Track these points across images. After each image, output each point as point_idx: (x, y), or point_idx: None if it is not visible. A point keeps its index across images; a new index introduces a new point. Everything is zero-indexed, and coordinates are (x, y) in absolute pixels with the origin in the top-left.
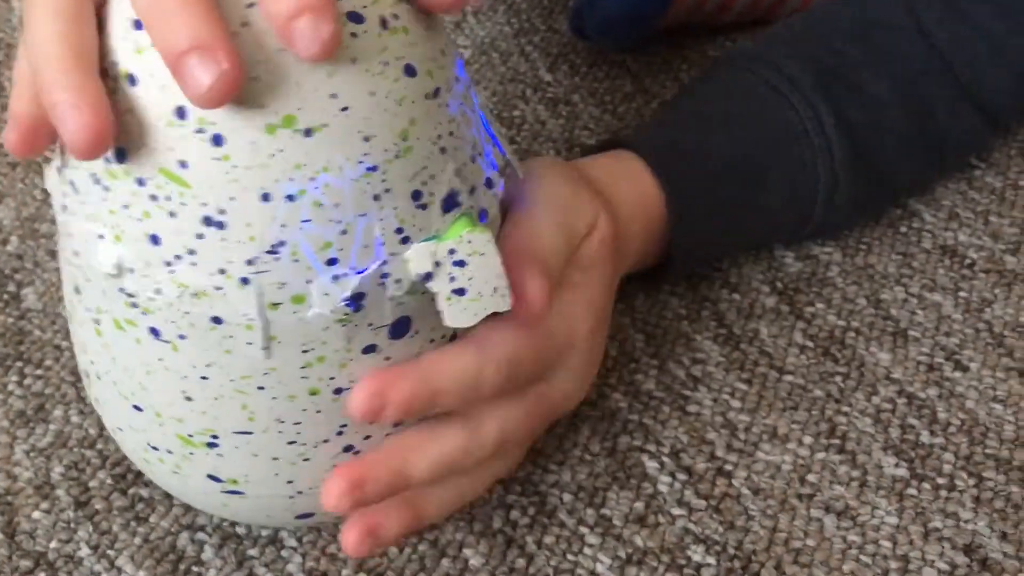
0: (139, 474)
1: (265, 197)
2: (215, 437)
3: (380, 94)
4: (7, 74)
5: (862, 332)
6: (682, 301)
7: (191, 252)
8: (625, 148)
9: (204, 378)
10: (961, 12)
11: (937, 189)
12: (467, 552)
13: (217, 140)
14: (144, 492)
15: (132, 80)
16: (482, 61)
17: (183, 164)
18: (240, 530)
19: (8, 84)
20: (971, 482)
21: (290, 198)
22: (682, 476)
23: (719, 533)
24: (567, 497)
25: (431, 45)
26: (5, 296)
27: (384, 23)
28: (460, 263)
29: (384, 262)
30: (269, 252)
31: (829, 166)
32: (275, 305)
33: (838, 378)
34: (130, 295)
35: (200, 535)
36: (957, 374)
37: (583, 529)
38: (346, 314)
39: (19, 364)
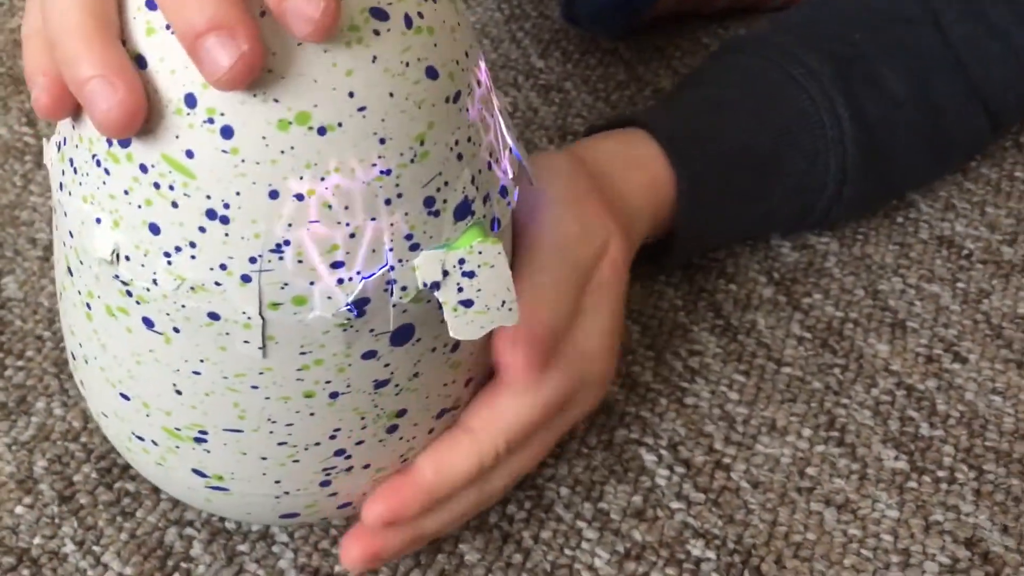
0: (125, 468)
1: (273, 194)
2: (203, 432)
3: (399, 95)
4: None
5: (860, 323)
6: (678, 292)
7: (192, 244)
8: (638, 127)
9: (196, 373)
10: (979, 12)
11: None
12: (463, 547)
13: (226, 132)
14: (130, 486)
15: (141, 62)
16: None
17: (189, 154)
18: (230, 525)
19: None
20: (971, 475)
21: (298, 197)
22: (680, 469)
23: (718, 527)
24: (564, 491)
25: (455, 47)
26: None
27: (409, 22)
28: (469, 274)
29: (391, 268)
30: (273, 251)
31: (841, 160)
32: (275, 305)
33: (837, 370)
34: (124, 283)
35: (188, 530)
36: (956, 366)
37: (580, 523)
38: (348, 319)
39: (0, 355)
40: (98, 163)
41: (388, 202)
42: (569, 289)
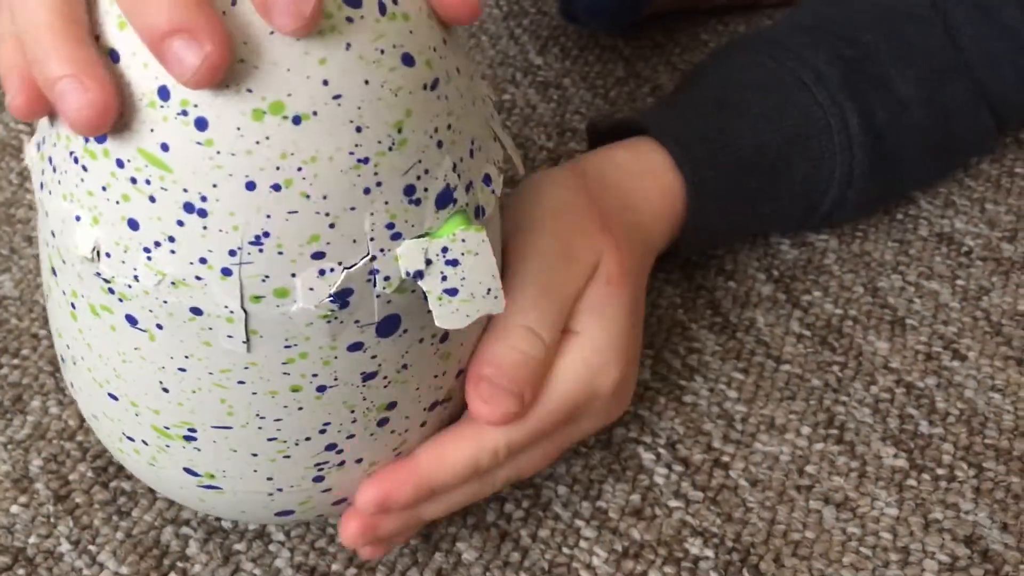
0: (121, 467)
1: (250, 186)
2: (192, 430)
3: (375, 83)
4: None
5: (860, 321)
6: (677, 289)
7: (171, 239)
8: (643, 134)
9: (182, 370)
10: (989, 10)
11: None
12: (460, 546)
13: (200, 124)
14: (126, 485)
15: (114, 56)
16: (471, 44)
17: (164, 147)
18: (226, 524)
19: None
20: (971, 472)
21: (276, 188)
22: (679, 468)
23: (717, 525)
24: (562, 490)
25: (433, 33)
26: None
27: (383, 8)
28: (452, 262)
29: (373, 258)
30: (252, 243)
31: (848, 164)
32: (257, 298)
33: (836, 367)
34: (106, 280)
35: (185, 529)
36: (955, 363)
37: (578, 522)
38: (331, 310)
39: None
40: (76, 160)
41: (367, 191)
42: (545, 316)
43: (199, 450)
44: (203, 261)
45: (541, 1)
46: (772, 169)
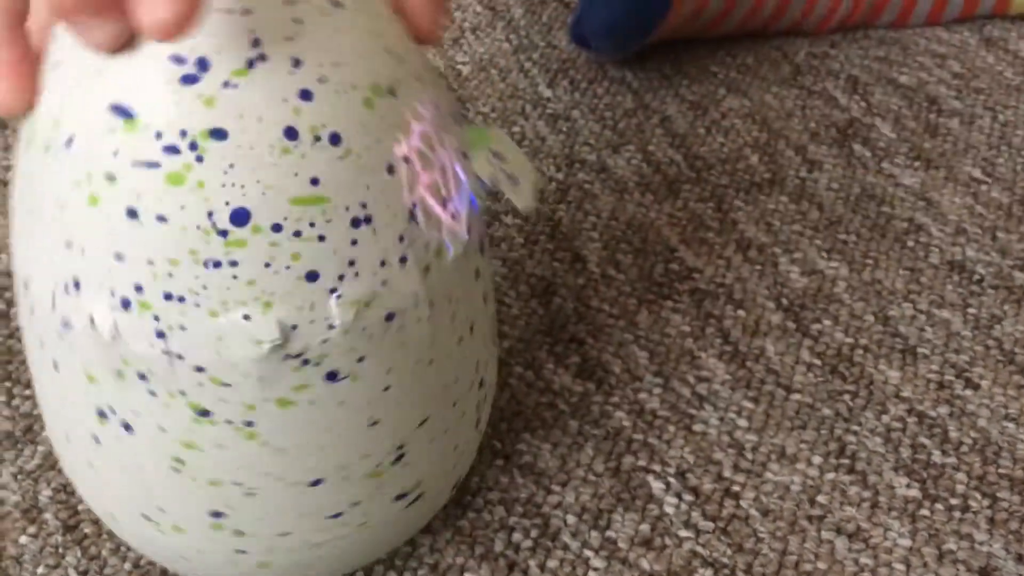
0: None
1: (389, 170)
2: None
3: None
4: None
5: (870, 349)
6: (686, 318)
7: (351, 263)
8: None
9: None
10: None
11: (943, 203)
12: None
13: (335, 139)
14: None
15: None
16: (481, 78)
17: (315, 181)
18: None
19: None
20: (985, 503)
21: (405, 160)
22: (689, 497)
23: (728, 556)
24: (571, 519)
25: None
26: None
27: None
28: (499, 156)
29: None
30: (410, 219)
31: None
32: (427, 269)
33: (847, 396)
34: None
35: None
36: (968, 392)
37: (587, 552)
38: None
39: (7, 384)
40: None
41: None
42: None
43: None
44: (383, 264)
45: (551, 35)
46: None
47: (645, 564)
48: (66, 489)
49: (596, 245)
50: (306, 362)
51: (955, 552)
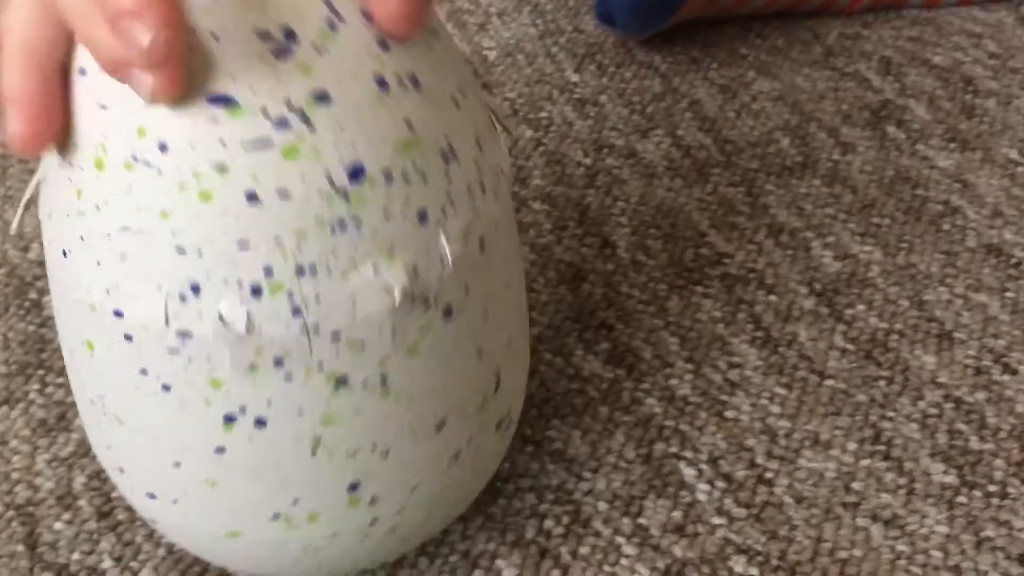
0: None
1: (445, 157)
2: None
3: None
4: None
5: (905, 335)
6: (717, 303)
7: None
8: None
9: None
10: None
11: (980, 185)
12: (500, 563)
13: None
14: None
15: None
16: (507, 63)
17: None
18: None
19: None
20: None
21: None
22: (721, 484)
23: (761, 543)
24: (602, 506)
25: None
26: (27, 303)
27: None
28: None
29: None
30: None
31: None
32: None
33: (882, 382)
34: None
35: None
36: (1006, 377)
37: (619, 539)
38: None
39: (40, 372)
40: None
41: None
42: None
43: None
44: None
45: (577, 19)
46: None
47: (678, 551)
48: (100, 476)
49: (625, 230)
50: (427, 303)
51: (993, 539)
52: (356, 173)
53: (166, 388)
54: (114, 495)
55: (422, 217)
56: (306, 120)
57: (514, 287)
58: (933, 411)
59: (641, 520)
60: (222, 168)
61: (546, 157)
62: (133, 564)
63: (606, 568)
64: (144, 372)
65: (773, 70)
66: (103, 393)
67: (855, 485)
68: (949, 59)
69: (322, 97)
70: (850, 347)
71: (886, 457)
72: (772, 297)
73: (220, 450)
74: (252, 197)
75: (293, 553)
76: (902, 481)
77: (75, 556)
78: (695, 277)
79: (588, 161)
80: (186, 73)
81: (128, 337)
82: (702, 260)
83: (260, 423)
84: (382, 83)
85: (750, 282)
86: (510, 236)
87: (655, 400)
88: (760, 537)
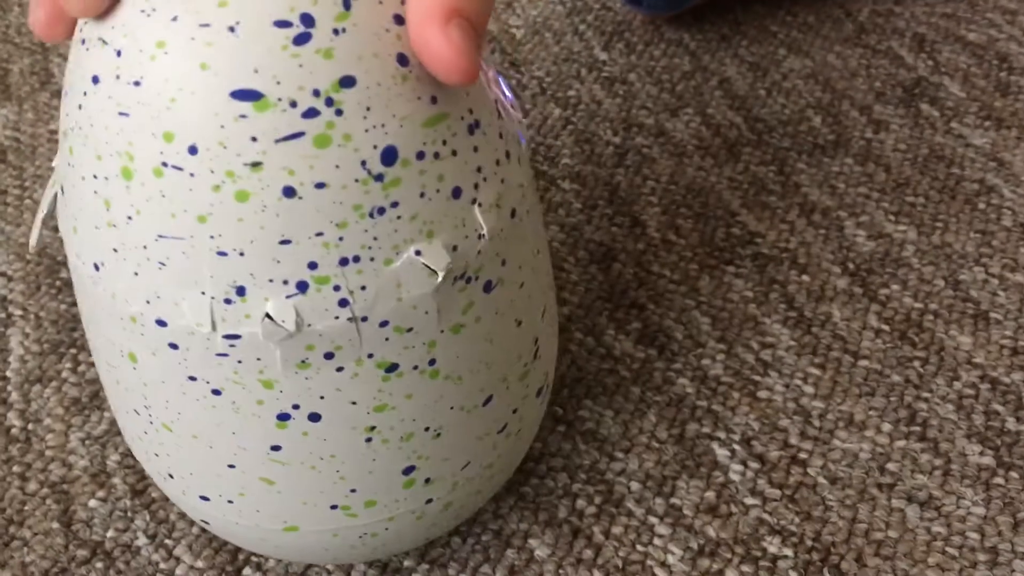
0: None
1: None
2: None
3: None
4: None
5: (941, 315)
6: (749, 283)
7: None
8: None
9: None
10: None
11: (1015, 164)
12: (532, 542)
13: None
14: None
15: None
16: (535, 41)
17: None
18: None
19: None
20: None
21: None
22: (754, 464)
23: (795, 524)
24: (635, 486)
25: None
26: (58, 283)
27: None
28: None
29: None
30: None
31: None
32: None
33: (917, 363)
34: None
35: None
36: None
37: (652, 519)
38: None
39: (73, 351)
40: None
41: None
42: None
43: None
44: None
45: None
46: None
47: (711, 531)
48: (133, 455)
49: (655, 210)
50: (468, 279)
51: None
52: (389, 156)
53: (216, 392)
54: (148, 472)
55: (456, 193)
56: (334, 106)
57: (543, 253)
58: (969, 391)
59: (674, 500)
60: (255, 165)
61: (575, 136)
62: (168, 542)
63: (639, 548)
64: (192, 379)
65: (804, 47)
66: (149, 403)
67: (890, 466)
68: (983, 36)
69: (347, 81)
70: (884, 327)
71: (922, 438)
72: (805, 277)
73: (275, 448)
74: (289, 192)
75: (350, 540)
76: (938, 462)
77: (110, 534)
78: (726, 257)
79: (617, 140)
80: None
81: (173, 346)
82: (733, 240)
83: (314, 418)
84: (402, 59)
85: (782, 262)
86: (534, 201)
87: (687, 380)
88: (794, 518)
